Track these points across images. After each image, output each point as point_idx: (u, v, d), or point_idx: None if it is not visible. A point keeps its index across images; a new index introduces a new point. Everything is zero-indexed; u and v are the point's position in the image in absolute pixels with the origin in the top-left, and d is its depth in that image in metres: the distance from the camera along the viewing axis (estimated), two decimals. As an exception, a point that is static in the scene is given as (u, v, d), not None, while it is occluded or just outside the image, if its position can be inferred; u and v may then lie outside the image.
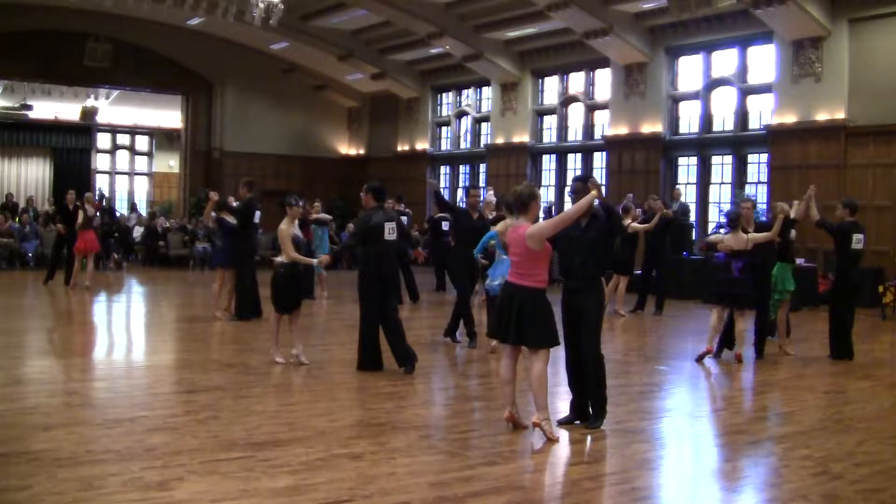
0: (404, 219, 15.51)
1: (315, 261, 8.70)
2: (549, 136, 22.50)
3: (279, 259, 8.65)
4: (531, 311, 6.03)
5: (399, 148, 26.59)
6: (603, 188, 18.99)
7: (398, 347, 8.31)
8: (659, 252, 14.15)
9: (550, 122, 22.50)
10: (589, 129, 21.40)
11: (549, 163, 22.45)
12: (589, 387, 6.40)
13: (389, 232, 8.29)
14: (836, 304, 9.89)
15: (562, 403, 6.92)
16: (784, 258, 10.12)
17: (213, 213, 12.15)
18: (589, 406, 6.47)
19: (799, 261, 14.85)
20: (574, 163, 21.85)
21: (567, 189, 21.76)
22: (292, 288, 8.64)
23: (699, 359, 9.46)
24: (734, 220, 9.77)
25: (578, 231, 6.31)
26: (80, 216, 15.42)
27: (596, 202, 6.19)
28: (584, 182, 6.37)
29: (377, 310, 8.28)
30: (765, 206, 16.60)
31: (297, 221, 9.08)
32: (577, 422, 6.44)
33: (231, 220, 11.98)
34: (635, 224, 13.70)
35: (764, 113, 17.62)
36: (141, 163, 31.74)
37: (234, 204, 12.35)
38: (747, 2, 15.92)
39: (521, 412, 6.30)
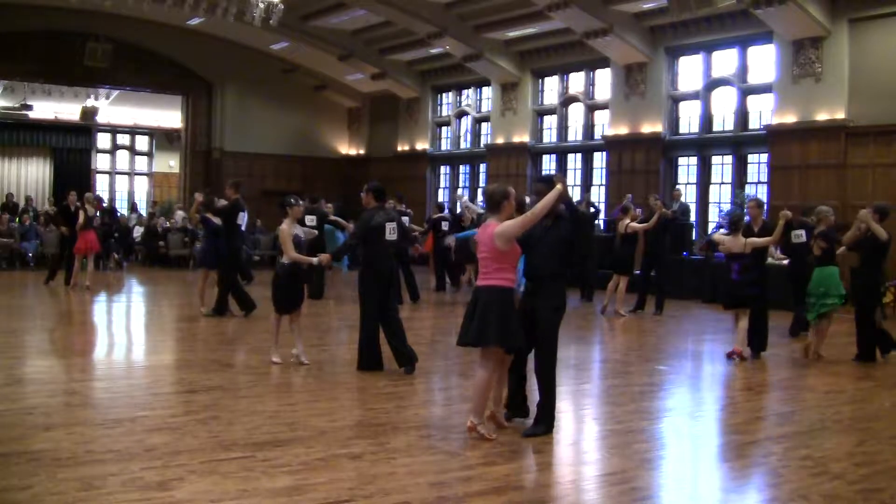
0: (405, 219, 15.51)
1: (315, 259, 8.71)
2: (549, 136, 22.49)
3: (281, 259, 8.66)
4: (494, 310, 5.88)
5: (399, 148, 26.58)
6: (600, 188, 18.84)
7: (398, 348, 8.31)
8: (658, 252, 14.14)
9: (550, 122, 22.49)
10: (589, 129, 21.39)
11: (549, 163, 22.43)
12: (539, 392, 6.25)
13: (390, 232, 8.30)
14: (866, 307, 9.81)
15: (560, 404, 6.92)
16: (821, 262, 9.81)
17: (198, 214, 12.32)
18: (524, 402, 6.45)
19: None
20: (574, 163, 21.84)
21: (576, 189, 21.73)
22: (293, 288, 8.65)
23: (739, 359, 9.48)
24: (735, 223, 9.81)
25: (541, 231, 6.17)
26: (80, 216, 15.44)
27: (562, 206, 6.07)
28: (546, 183, 6.20)
29: (378, 310, 8.28)
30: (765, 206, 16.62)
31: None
32: (516, 419, 6.42)
33: (216, 220, 12.11)
34: (634, 224, 13.72)
35: (764, 113, 17.61)
36: (141, 163, 31.73)
37: (217, 205, 12.46)
38: (747, 2, 15.91)
39: (501, 412, 6.31)
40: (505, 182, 20.62)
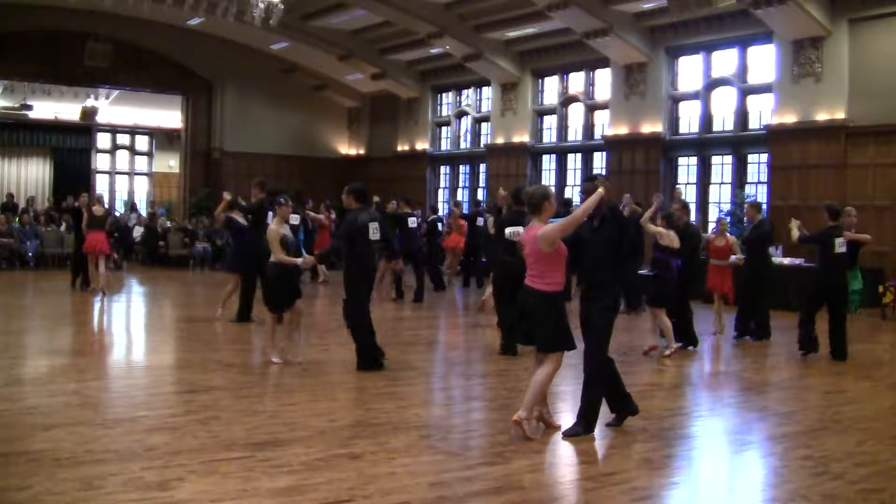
0: (413, 219, 15.52)
1: (300, 260, 8.77)
2: (549, 136, 22.49)
3: (270, 260, 8.72)
4: (541, 315, 5.96)
5: (399, 148, 26.58)
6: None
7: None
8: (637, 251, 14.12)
9: (550, 122, 22.49)
10: (589, 129, 21.39)
11: (549, 163, 22.44)
12: (584, 391, 6.28)
13: (373, 232, 8.42)
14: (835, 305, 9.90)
15: (562, 404, 6.92)
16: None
17: (224, 214, 12.04)
18: (624, 399, 6.42)
19: (798, 261, 14.90)
20: (574, 163, 21.84)
21: (567, 189, 21.78)
22: (285, 287, 8.70)
23: (666, 356, 9.67)
24: (668, 218, 9.98)
25: (590, 233, 6.20)
26: (85, 217, 15.41)
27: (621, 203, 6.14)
28: (594, 182, 6.23)
29: (368, 307, 8.39)
30: (764, 206, 16.61)
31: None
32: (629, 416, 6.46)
33: (241, 220, 11.86)
34: None
35: (764, 113, 17.62)
36: (141, 163, 31.70)
37: (243, 203, 12.27)
38: (747, 2, 15.91)
39: (550, 412, 6.32)
40: (505, 183, 20.70)
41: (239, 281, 11.79)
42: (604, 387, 6.29)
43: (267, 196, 11.90)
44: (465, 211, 19.99)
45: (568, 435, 6.11)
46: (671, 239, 9.67)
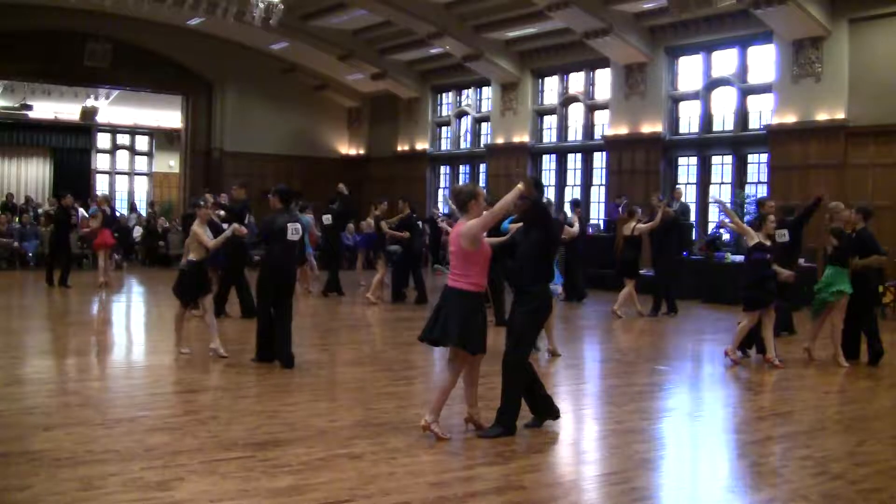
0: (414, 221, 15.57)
1: (229, 229, 9.19)
2: (549, 136, 22.49)
3: (189, 257, 9.06)
4: (457, 312, 5.87)
5: (399, 148, 26.59)
6: (600, 188, 18.67)
7: (281, 341, 8.54)
8: (660, 253, 14.08)
9: (550, 122, 22.49)
10: (589, 129, 21.39)
11: (549, 163, 22.45)
12: (502, 392, 6.17)
13: (292, 233, 8.65)
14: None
15: (563, 404, 6.91)
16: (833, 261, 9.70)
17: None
18: (546, 403, 6.32)
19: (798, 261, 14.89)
20: (574, 163, 21.85)
21: (567, 189, 21.80)
22: (196, 281, 9.05)
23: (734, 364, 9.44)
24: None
25: (520, 237, 6.25)
26: (100, 216, 15.71)
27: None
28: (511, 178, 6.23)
29: (272, 305, 8.58)
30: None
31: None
32: (548, 419, 6.33)
33: (216, 219, 11.97)
34: (641, 225, 13.58)
35: (764, 113, 17.62)
36: (141, 163, 31.73)
37: (224, 203, 12.45)
38: (747, 2, 15.92)
39: (480, 414, 6.23)
40: (505, 183, 20.69)
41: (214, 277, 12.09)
42: (521, 388, 6.17)
43: (248, 198, 12.23)
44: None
45: (485, 437, 5.99)
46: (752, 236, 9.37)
